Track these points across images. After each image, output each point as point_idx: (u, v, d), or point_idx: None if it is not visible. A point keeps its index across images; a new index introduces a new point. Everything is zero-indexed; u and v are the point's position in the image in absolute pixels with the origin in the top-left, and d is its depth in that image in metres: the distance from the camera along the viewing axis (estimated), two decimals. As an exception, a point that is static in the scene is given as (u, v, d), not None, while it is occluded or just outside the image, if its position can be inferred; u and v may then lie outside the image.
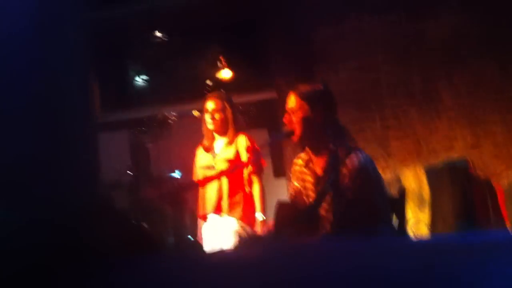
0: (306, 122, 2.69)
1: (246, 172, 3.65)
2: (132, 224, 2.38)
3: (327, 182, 2.64)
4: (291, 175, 2.95)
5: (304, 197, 2.79)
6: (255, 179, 3.65)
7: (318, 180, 2.72)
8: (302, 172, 2.82)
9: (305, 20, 5.59)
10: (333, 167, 2.63)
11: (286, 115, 2.75)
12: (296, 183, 2.88)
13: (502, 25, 5.05)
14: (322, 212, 2.65)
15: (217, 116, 3.67)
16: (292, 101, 2.74)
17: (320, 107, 2.73)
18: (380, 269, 1.09)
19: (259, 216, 3.55)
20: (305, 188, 2.80)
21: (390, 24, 5.34)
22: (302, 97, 2.72)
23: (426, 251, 1.10)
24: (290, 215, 2.72)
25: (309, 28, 5.58)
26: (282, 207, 2.79)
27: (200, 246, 3.61)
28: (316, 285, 0.98)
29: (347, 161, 2.61)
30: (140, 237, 2.18)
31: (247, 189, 3.64)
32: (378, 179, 2.72)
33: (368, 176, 2.62)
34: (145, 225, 3.91)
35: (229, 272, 1.27)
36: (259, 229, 3.48)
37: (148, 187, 5.24)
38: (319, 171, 2.73)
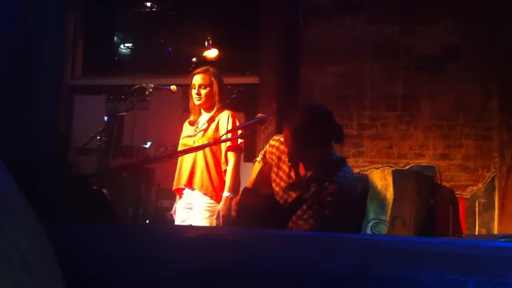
0: (301, 155, 2.64)
1: (223, 148, 3.57)
2: (91, 189, 2.37)
3: (307, 191, 2.57)
4: (266, 148, 2.91)
5: (273, 180, 2.77)
6: (230, 156, 3.56)
7: (296, 186, 2.66)
8: (281, 159, 2.78)
9: (300, 16, 5.61)
10: (316, 178, 2.57)
11: (285, 131, 2.65)
12: (268, 158, 2.85)
13: (492, 54, 5.09)
14: (294, 218, 2.60)
15: (203, 91, 3.59)
16: (286, 137, 2.65)
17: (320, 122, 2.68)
18: (312, 265, 1.12)
19: (225, 194, 3.47)
20: (277, 175, 2.76)
21: (382, 35, 5.37)
22: (295, 133, 2.60)
23: (364, 251, 1.13)
24: (254, 203, 2.72)
25: (302, 24, 5.60)
26: (246, 194, 2.79)
27: (157, 218, 3.55)
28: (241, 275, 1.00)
29: (334, 178, 2.56)
30: (97, 203, 2.18)
31: (223, 166, 3.57)
32: (355, 197, 2.72)
33: (350, 198, 2.62)
34: (105, 192, 3.87)
35: (172, 247, 1.28)
36: (223, 206, 3.42)
37: (117, 155, 5.21)
38: (300, 168, 2.69)
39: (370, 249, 1.10)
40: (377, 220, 4.94)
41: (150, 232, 1.34)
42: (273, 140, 2.92)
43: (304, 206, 2.58)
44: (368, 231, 4.88)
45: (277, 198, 2.72)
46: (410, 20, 5.33)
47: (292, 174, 2.71)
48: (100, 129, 4.69)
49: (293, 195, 2.66)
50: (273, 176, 2.79)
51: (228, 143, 3.53)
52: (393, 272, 1.08)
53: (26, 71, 1.56)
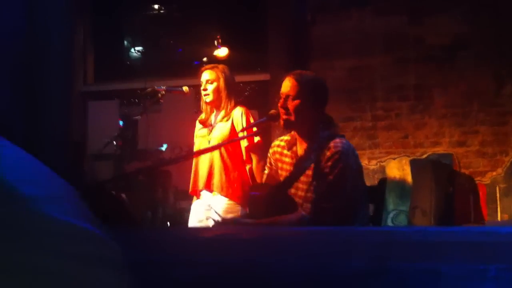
0: (301, 108, 2.69)
1: (243, 147, 3.53)
2: (110, 195, 2.39)
3: (308, 161, 2.66)
4: (269, 155, 2.96)
5: (281, 178, 2.81)
6: (251, 155, 3.53)
7: (298, 161, 2.74)
8: (282, 154, 2.85)
9: (307, 11, 5.59)
10: (315, 148, 2.65)
11: (281, 99, 2.73)
12: (273, 163, 2.90)
13: (502, 40, 5.03)
14: (300, 191, 2.68)
15: (209, 86, 3.55)
16: (289, 85, 2.72)
17: (316, 96, 2.75)
18: (336, 259, 1.11)
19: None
20: (282, 169, 2.83)
21: (391, 26, 5.33)
22: (300, 83, 2.72)
23: (381, 244, 1.12)
24: (263, 194, 2.75)
25: (310, 20, 5.58)
26: (255, 187, 2.83)
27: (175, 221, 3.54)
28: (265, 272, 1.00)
29: (332, 144, 2.62)
30: (116, 208, 2.20)
31: (247, 166, 3.52)
32: (358, 166, 2.76)
33: (349, 162, 2.65)
34: (124, 196, 3.89)
35: (195, 249, 1.29)
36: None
37: (133, 159, 5.23)
38: (301, 152, 2.75)
39: (388, 242, 1.09)
40: (397, 211, 4.91)
41: (165, 236, 1.34)
42: (273, 144, 2.97)
43: (309, 179, 2.62)
44: (389, 222, 4.84)
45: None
46: (418, 10, 5.28)
47: (294, 161, 2.74)
48: (115, 134, 4.72)
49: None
50: (279, 172, 2.83)
51: (245, 143, 3.50)
52: (412, 264, 1.07)
53: (35, 82, 1.56)
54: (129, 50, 6.66)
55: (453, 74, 5.18)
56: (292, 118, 2.70)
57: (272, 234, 1.20)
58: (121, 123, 6.00)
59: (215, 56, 6.05)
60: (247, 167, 3.53)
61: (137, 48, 6.66)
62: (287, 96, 2.71)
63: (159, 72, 6.01)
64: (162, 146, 5.54)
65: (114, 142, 4.57)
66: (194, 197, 3.68)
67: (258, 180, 3.43)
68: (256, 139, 3.50)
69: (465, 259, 1.08)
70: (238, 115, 3.52)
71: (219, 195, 3.50)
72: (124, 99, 6.34)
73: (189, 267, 1.08)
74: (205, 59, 6.17)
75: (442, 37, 5.23)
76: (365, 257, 1.09)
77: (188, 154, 3.50)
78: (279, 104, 2.74)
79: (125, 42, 6.64)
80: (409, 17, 5.31)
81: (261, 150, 3.58)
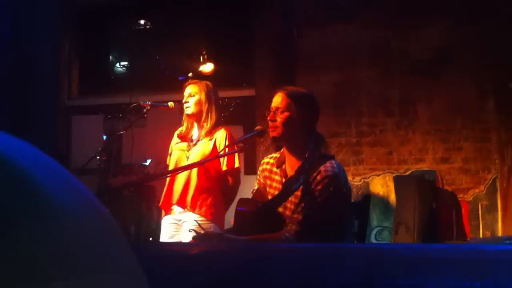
0: (290, 122, 2.69)
1: (222, 167, 3.55)
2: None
3: (297, 182, 2.66)
4: (258, 173, 2.97)
5: (269, 196, 2.82)
6: (228, 177, 3.56)
7: (287, 182, 2.73)
8: (272, 172, 2.85)
9: (293, 26, 5.63)
10: (306, 169, 2.66)
11: (270, 113, 2.73)
12: (262, 181, 2.90)
13: (486, 55, 5.10)
14: (287, 211, 2.68)
15: (192, 100, 3.56)
16: (279, 99, 2.74)
17: (306, 111, 2.76)
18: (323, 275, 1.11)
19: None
20: (271, 186, 2.83)
21: (376, 40, 5.39)
22: (291, 97, 2.73)
23: (369, 260, 1.12)
24: (250, 210, 2.74)
25: (296, 35, 5.62)
26: (242, 203, 2.82)
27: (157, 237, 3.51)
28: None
29: (322, 168, 2.62)
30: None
31: (221, 185, 3.55)
32: (348, 189, 2.77)
33: (340, 185, 2.65)
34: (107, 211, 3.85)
35: (176, 264, 1.28)
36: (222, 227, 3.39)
37: (117, 174, 5.20)
38: (290, 172, 2.75)
39: (375, 258, 1.09)
40: (380, 227, 4.93)
41: (151, 251, 1.33)
42: (263, 161, 2.98)
43: (297, 200, 2.62)
44: (372, 238, 4.86)
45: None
46: (403, 24, 5.34)
47: (283, 179, 2.74)
48: (99, 148, 4.69)
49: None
50: (268, 189, 2.83)
51: (224, 167, 3.51)
52: (399, 280, 1.07)
53: (20, 96, 1.56)
54: (114, 65, 6.65)
55: (438, 88, 5.24)
56: (280, 131, 2.70)
57: (260, 250, 1.20)
58: (104, 137, 5.97)
59: (200, 72, 6.07)
60: (220, 187, 3.55)
61: (122, 63, 6.65)
62: (277, 109, 2.72)
63: (144, 86, 6.00)
64: (146, 161, 5.52)
65: (98, 157, 4.54)
66: (163, 212, 3.66)
67: (228, 202, 3.47)
68: (236, 164, 3.52)
69: (451, 276, 1.09)
70: (222, 137, 3.53)
71: (190, 212, 3.49)
72: (109, 114, 6.31)
73: (178, 282, 1.08)
74: (190, 74, 6.18)
75: (426, 51, 5.29)
76: (352, 273, 1.10)
77: (173, 170, 3.47)
78: (268, 118, 2.74)
79: (110, 57, 6.63)
80: (394, 31, 5.38)
81: (238, 176, 3.63)
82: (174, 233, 3.55)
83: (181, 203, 3.50)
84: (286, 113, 2.71)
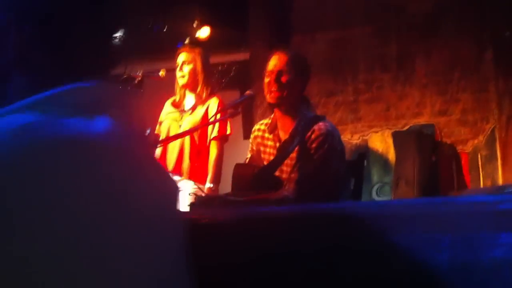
0: (294, 85, 2.69)
1: (213, 133, 3.48)
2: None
3: (292, 144, 2.68)
4: (250, 141, 2.96)
5: (264, 161, 2.83)
6: (213, 146, 3.48)
7: (281, 144, 2.75)
8: (264, 138, 2.86)
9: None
10: (300, 131, 2.67)
11: (273, 75, 2.69)
12: (255, 148, 2.91)
13: (483, 4, 5.01)
14: (284, 174, 2.70)
15: (185, 68, 3.51)
16: (282, 60, 2.71)
17: (305, 74, 2.76)
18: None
19: (208, 185, 3.39)
20: (265, 152, 2.84)
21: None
22: (293, 59, 2.72)
23: (337, 220, 1.14)
24: (247, 175, 2.76)
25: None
26: (239, 168, 2.84)
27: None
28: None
29: (316, 127, 2.64)
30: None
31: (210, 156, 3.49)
32: (342, 147, 2.78)
33: (334, 143, 2.67)
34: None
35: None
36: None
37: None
38: (283, 136, 2.76)
39: (343, 217, 1.11)
40: (381, 183, 4.95)
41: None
42: (254, 128, 2.97)
43: (293, 161, 2.65)
44: (374, 195, 4.90)
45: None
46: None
47: (277, 144, 2.76)
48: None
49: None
50: (262, 155, 2.84)
51: (215, 134, 3.46)
52: (368, 238, 1.09)
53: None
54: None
55: (435, 41, 5.17)
56: (285, 93, 2.68)
57: (226, 219, 1.22)
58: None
59: (197, 37, 5.99)
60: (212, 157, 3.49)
61: (115, 34, 6.60)
62: (280, 71, 2.69)
63: (140, 56, 5.95)
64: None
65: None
66: None
67: (211, 172, 3.44)
68: (228, 131, 3.48)
69: (420, 230, 1.10)
70: (214, 105, 3.49)
71: (186, 180, 3.48)
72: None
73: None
74: (187, 40, 6.12)
75: (423, 4, 5.21)
76: (321, 234, 1.11)
77: (166, 139, 3.47)
78: (270, 80, 2.70)
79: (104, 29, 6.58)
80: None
81: (225, 142, 3.56)
82: None
83: (177, 171, 3.50)
84: (291, 76, 2.68)
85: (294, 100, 2.73)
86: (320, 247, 1.08)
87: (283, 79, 2.68)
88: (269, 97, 2.72)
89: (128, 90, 4.11)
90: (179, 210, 0.83)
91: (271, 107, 2.82)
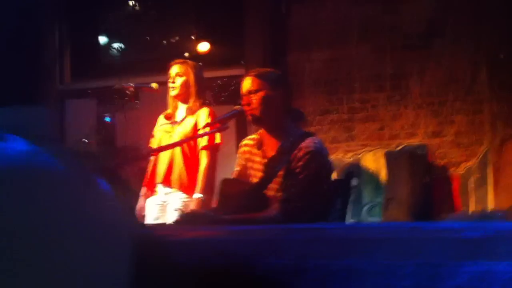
0: (267, 100, 2.71)
1: (202, 142, 3.52)
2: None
3: (280, 162, 2.67)
4: (238, 155, 2.96)
5: (251, 178, 2.83)
6: (203, 155, 3.49)
7: (267, 162, 2.74)
8: (252, 153, 2.86)
9: (281, 3, 5.58)
10: (286, 148, 2.67)
11: (244, 98, 2.74)
12: (244, 162, 2.91)
13: (477, 25, 5.03)
14: (271, 192, 2.69)
15: (178, 80, 3.55)
16: (249, 82, 2.75)
17: (280, 88, 2.77)
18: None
19: (197, 195, 3.39)
20: (253, 168, 2.84)
21: (366, 15, 5.32)
22: (261, 77, 2.74)
23: (303, 242, 1.13)
24: (234, 192, 2.76)
25: (285, 12, 5.56)
26: (226, 184, 2.84)
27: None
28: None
29: (303, 144, 2.64)
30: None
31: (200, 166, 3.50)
32: (329, 165, 2.78)
33: (321, 161, 2.67)
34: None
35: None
36: (197, 207, 3.37)
37: (110, 156, 5.22)
38: (270, 153, 2.76)
39: (309, 240, 1.10)
40: (372, 203, 4.93)
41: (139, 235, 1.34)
42: (241, 143, 2.99)
43: (280, 179, 2.65)
44: (364, 214, 4.87)
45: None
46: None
47: (264, 160, 2.75)
48: (92, 132, 4.70)
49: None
50: (250, 171, 2.84)
51: (204, 143, 3.47)
52: (331, 262, 1.08)
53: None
54: (107, 49, 6.63)
55: (430, 61, 5.17)
56: (258, 112, 2.71)
57: (199, 236, 1.21)
58: (108, 119, 5.97)
59: (196, 52, 6.02)
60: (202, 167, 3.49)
61: (114, 46, 6.63)
62: (249, 92, 2.73)
63: (137, 68, 5.98)
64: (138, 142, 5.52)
65: (91, 141, 4.57)
66: (142, 190, 3.64)
67: (201, 183, 3.43)
68: (217, 140, 3.49)
69: (385, 255, 1.09)
70: (204, 115, 3.51)
71: (176, 191, 3.49)
72: (102, 98, 6.32)
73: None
74: (186, 54, 6.15)
75: (417, 24, 5.23)
76: (286, 255, 1.10)
77: (156, 150, 3.49)
78: (243, 103, 2.76)
79: (102, 41, 6.60)
80: (383, 5, 5.30)
81: (216, 151, 3.57)
82: (158, 214, 3.57)
83: (166, 182, 3.51)
84: (261, 93, 2.71)
85: (275, 116, 2.73)
86: (281, 270, 1.07)
87: (254, 98, 2.69)
88: (249, 118, 2.75)
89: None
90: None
91: (254, 124, 2.84)
